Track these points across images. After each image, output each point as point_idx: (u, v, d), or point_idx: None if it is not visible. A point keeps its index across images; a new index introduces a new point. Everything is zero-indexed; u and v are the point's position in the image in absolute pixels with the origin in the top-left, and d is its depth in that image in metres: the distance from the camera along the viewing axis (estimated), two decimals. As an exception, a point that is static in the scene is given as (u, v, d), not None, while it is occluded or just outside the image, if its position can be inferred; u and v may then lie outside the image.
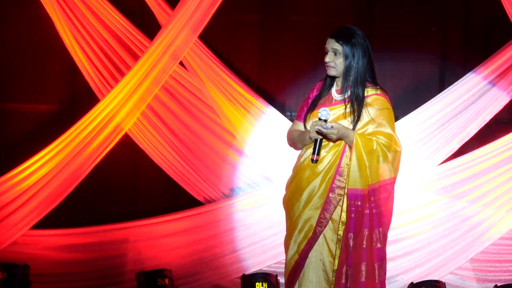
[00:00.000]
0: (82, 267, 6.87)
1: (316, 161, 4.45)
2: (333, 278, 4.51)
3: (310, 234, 4.50)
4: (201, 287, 6.86)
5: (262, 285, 6.56)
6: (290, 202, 4.58)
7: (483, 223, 6.92)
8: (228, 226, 7.01)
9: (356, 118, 4.50)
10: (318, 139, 4.42)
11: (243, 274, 6.68)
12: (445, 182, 6.97)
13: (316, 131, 4.42)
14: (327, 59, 4.55)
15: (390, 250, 6.84)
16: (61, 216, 6.95)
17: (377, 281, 4.49)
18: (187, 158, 7.08)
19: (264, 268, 6.93)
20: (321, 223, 4.50)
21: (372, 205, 4.44)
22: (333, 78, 4.62)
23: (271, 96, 7.30)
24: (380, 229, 4.48)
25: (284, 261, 6.94)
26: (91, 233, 6.97)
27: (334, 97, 4.59)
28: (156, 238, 6.98)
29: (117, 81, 6.90)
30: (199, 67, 6.99)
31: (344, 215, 4.47)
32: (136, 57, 6.94)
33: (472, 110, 6.88)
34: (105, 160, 6.85)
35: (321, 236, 4.52)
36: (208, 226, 7.02)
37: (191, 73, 7.03)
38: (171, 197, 7.33)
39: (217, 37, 7.28)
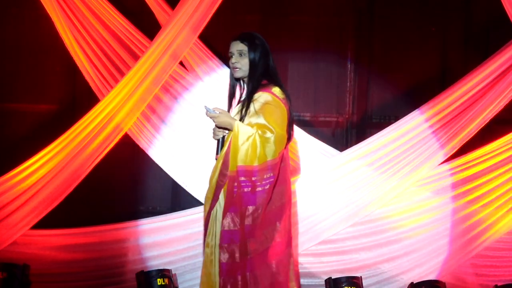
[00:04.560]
0: (82, 267, 6.86)
1: (216, 159, 4.89)
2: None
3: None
4: (201, 287, 6.86)
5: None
6: None
7: (483, 223, 6.91)
8: (228, 226, 7.00)
9: (244, 110, 4.82)
10: (220, 139, 4.87)
11: (243, 274, 6.67)
12: (445, 182, 6.96)
13: (217, 127, 4.82)
14: (233, 60, 4.87)
15: (390, 250, 6.86)
16: (61, 216, 6.94)
17: (249, 257, 4.74)
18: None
19: (264, 268, 6.92)
20: (213, 207, 4.86)
21: (242, 185, 4.71)
22: (238, 81, 4.95)
23: (271, 96, 7.29)
24: (250, 207, 4.71)
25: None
26: (91, 233, 6.96)
27: (241, 98, 4.99)
28: (156, 238, 6.98)
29: (117, 81, 6.90)
30: (199, 67, 6.98)
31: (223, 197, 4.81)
32: (136, 57, 6.93)
33: (472, 110, 6.88)
34: (105, 160, 6.85)
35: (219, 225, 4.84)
36: (208, 226, 7.01)
37: (191, 73, 7.02)
38: (171, 197, 7.32)
39: (217, 37, 7.28)
